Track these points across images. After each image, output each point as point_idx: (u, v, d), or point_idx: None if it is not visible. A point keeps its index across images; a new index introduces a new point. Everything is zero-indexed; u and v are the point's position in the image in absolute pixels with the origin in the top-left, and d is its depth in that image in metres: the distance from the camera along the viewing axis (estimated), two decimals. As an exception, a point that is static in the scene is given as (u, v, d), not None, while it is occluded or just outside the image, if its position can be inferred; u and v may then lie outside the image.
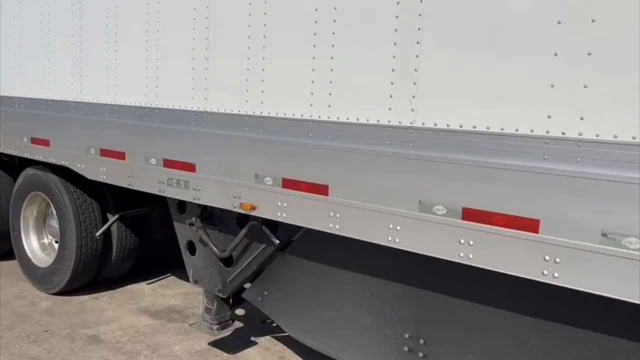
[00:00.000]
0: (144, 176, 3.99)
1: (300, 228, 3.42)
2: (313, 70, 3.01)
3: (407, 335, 3.16)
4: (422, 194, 2.65)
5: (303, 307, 3.65)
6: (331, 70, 2.93)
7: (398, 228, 2.74)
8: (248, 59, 3.30)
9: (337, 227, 2.98)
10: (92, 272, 5.23)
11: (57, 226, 5.20)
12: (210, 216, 4.00)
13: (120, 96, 4.09)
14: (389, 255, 2.91)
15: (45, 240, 5.58)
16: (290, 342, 4.36)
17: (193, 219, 3.97)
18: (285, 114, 3.16)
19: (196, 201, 3.67)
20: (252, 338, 4.61)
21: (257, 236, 3.70)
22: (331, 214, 3.00)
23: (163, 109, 3.81)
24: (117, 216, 5.03)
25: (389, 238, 2.78)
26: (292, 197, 3.16)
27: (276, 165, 3.23)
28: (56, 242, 5.47)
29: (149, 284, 5.73)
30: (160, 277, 5.92)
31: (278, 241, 3.56)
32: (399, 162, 2.71)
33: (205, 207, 3.96)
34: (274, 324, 4.88)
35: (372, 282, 3.25)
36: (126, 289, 5.55)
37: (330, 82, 2.94)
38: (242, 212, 3.42)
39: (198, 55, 3.56)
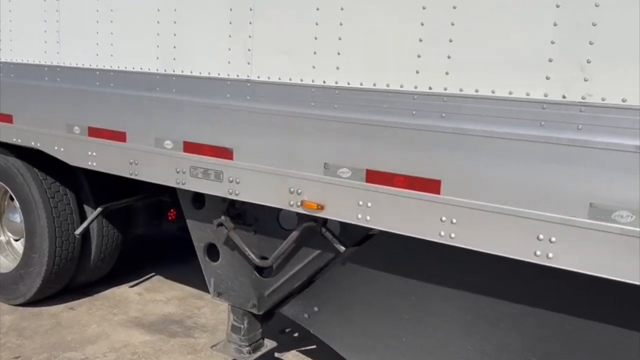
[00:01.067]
0: (154, 163, 3.08)
1: (367, 230, 2.68)
2: (422, 24, 2.22)
3: (526, 368, 2.50)
4: (594, 195, 1.95)
5: (369, 328, 2.92)
6: (452, 24, 2.16)
7: (552, 240, 2.04)
8: (317, 9, 2.46)
9: (453, 235, 2.25)
10: (68, 277, 4.28)
11: (20, 222, 4.20)
12: (241, 213, 3.16)
13: (119, 58, 3.13)
14: (504, 266, 2.23)
15: (3, 238, 4.53)
16: (322, 357, 3.66)
17: (222, 217, 3.12)
18: (374, 85, 2.37)
19: (233, 197, 2.82)
20: (277, 355, 3.85)
21: (313, 241, 2.91)
22: (443, 219, 2.26)
23: (183, 77, 2.91)
24: (99, 210, 4.08)
25: (538, 253, 2.07)
26: (381, 194, 2.40)
27: (357, 153, 2.44)
28: (16, 240, 4.47)
29: (132, 287, 4.81)
30: (144, 278, 4.99)
31: (344, 247, 2.79)
32: (560, 151, 1.99)
33: (232, 201, 3.12)
34: (295, 334, 4.15)
35: (476, 299, 2.56)
36: (107, 295, 4.61)
37: (450, 40, 2.17)
38: (304, 212, 2.62)
39: (238, 4, 2.68)
